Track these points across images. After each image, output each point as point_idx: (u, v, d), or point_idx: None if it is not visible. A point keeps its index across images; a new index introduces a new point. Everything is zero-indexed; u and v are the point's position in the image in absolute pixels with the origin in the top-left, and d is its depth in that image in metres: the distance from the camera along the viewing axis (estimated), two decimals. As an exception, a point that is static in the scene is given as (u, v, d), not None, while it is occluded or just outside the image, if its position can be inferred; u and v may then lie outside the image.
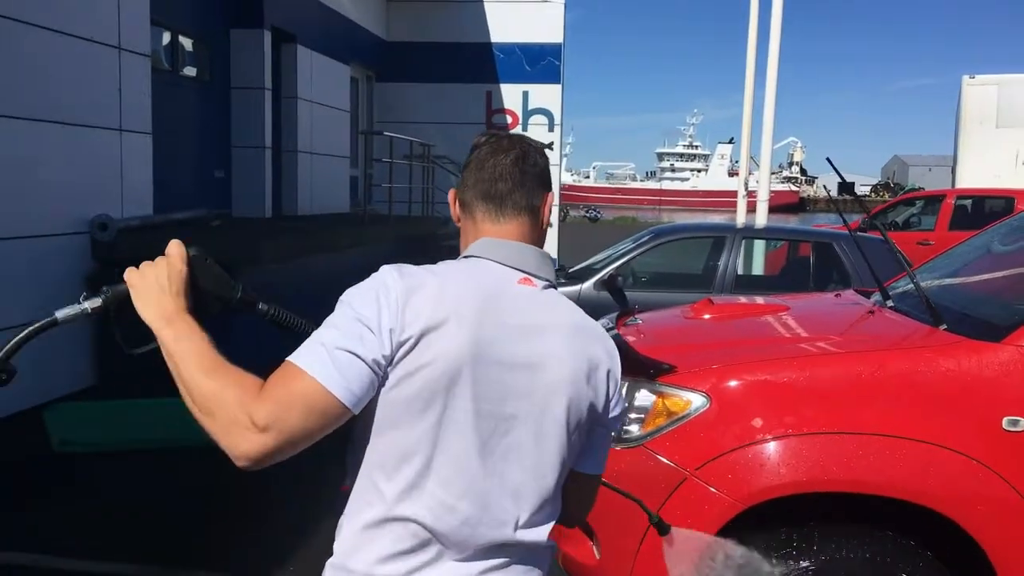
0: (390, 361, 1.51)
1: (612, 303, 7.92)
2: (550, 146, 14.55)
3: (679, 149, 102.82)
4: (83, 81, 7.35)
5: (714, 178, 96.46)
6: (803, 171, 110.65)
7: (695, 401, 2.98)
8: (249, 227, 9.57)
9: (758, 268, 8.20)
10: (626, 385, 3.11)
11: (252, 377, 1.54)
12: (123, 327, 1.85)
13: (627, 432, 3.05)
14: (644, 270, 8.19)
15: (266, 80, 10.55)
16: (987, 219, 11.85)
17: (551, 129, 15.10)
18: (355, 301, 1.56)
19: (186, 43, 9.83)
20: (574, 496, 1.75)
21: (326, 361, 1.48)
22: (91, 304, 1.80)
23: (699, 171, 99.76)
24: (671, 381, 3.07)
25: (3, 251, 6.52)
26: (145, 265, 1.81)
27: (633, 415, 3.08)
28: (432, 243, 13.20)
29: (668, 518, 2.28)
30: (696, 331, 3.72)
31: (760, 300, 4.77)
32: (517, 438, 1.58)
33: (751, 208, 12.47)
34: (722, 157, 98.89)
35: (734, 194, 72.66)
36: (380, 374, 1.51)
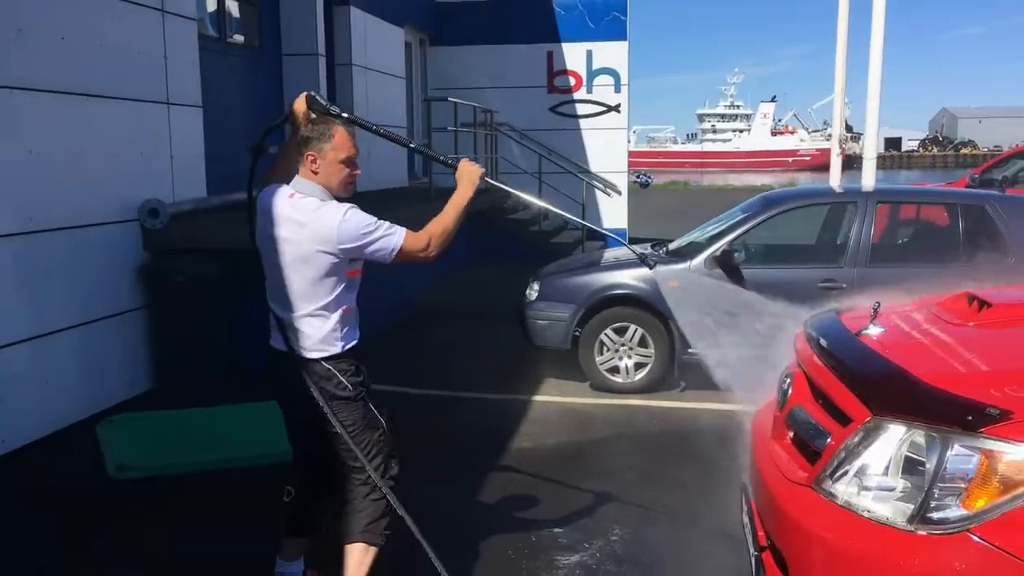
0: None
1: (728, 281, 7.02)
2: (617, 107, 13.65)
3: (720, 110, 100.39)
4: (124, 49, 6.52)
5: (757, 138, 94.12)
6: (849, 128, 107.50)
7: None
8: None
9: (893, 237, 7.19)
10: (921, 436, 2.21)
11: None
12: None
13: (938, 508, 2.13)
14: (758, 243, 7.21)
15: (319, 46, 9.68)
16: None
17: (618, 90, 14.07)
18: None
19: (232, 6, 8.97)
20: None
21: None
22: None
23: (741, 131, 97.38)
24: (1005, 433, 2.12)
25: (43, 244, 5.75)
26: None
27: (944, 485, 2.15)
28: (499, 216, 12.31)
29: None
30: (985, 345, 2.71)
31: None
32: None
33: (841, 166, 11.40)
34: (764, 116, 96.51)
35: (778, 154, 71.33)
36: None
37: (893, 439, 2.27)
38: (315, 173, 3.16)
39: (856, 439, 2.36)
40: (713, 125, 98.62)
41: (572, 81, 14.10)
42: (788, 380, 2.94)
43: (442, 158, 3.50)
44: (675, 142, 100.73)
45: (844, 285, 6.58)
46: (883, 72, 9.83)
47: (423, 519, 3.28)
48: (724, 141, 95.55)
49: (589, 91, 14.08)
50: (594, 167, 13.79)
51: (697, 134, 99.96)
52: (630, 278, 6.99)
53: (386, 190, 11.10)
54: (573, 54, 14.04)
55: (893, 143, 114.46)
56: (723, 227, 7.26)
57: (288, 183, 3.24)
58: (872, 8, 9.78)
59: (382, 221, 3.13)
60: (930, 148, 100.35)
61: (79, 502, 4.79)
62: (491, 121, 12.64)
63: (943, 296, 3.17)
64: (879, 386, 2.44)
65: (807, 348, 2.94)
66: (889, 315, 2.94)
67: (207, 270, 6.80)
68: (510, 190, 3.89)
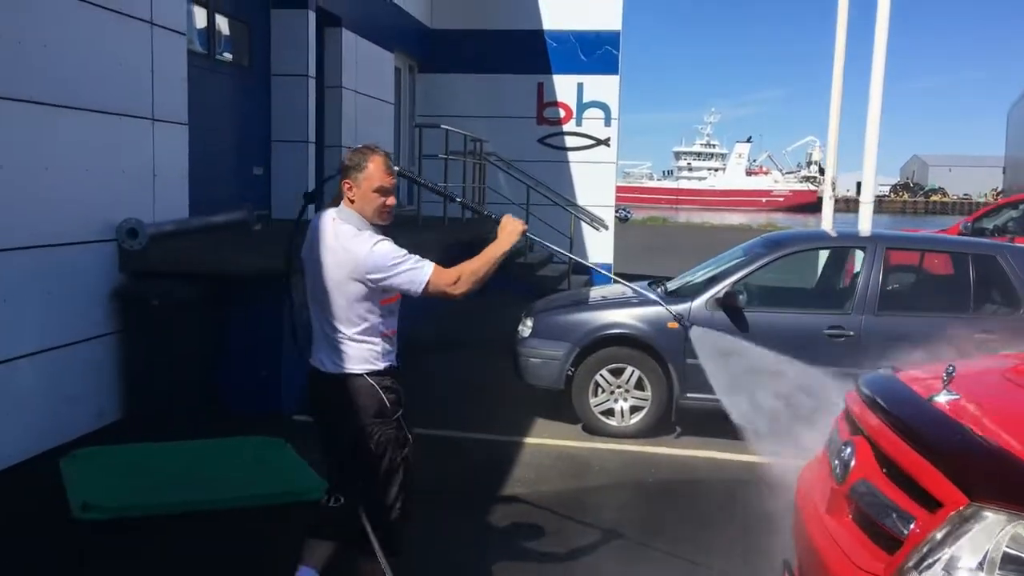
0: None
1: (730, 325, 6.78)
2: (607, 141, 13.49)
3: (696, 148, 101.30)
4: (110, 61, 6.21)
5: (732, 177, 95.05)
6: (822, 170, 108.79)
7: None
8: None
9: (902, 284, 6.99)
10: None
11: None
12: None
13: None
14: (760, 285, 7.00)
15: (310, 67, 9.41)
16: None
17: (608, 124, 13.91)
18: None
19: (222, 24, 8.69)
20: None
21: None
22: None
23: (717, 170, 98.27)
24: None
25: (14, 263, 5.39)
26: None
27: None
28: (484, 246, 12.02)
29: None
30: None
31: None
32: None
33: (832, 209, 11.25)
34: (740, 156, 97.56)
35: (753, 193, 72.22)
36: None
37: (992, 530, 2.01)
38: (352, 201, 3.33)
39: (947, 528, 2.09)
40: (689, 163, 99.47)
41: (562, 113, 13.93)
42: (849, 449, 2.65)
43: (486, 213, 3.72)
44: (651, 178, 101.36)
45: (851, 333, 6.37)
46: (880, 117, 9.71)
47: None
48: (699, 179, 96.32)
49: (579, 124, 13.92)
50: (581, 200, 13.59)
51: (673, 171, 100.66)
52: (629, 317, 6.73)
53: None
54: (564, 86, 13.88)
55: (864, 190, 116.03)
56: (725, 268, 7.05)
57: None
58: (873, 53, 9.69)
59: (411, 255, 3.26)
60: (901, 194, 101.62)
61: (38, 545, 4.41)
62: (480, 150, 12.40)
63: (1005, 357, 2.92)
64: (978, 468, 2.18)
65: (870, 414, 2.68)
66: (956, 378, 2.64)
67: (186, 294, 6.46)
68: (549, 245, 4.37)
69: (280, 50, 9.35)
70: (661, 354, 6.60)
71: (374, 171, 3.29)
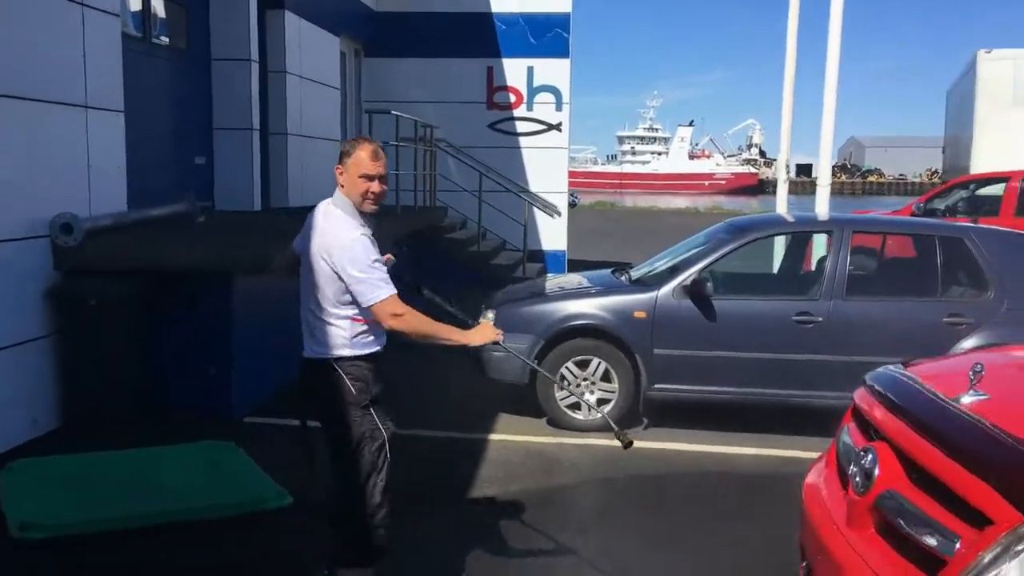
0: None
1: (697, 314, 6.61)
2: (558, 126, 13.27)
3: (640, 132, 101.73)
4: (38, 44, 5.78)
5: (675, 161, 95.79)
6: (762, 153, 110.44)
7: None
8: (239, 224, 8.04)
9: (870, 269, 6.89)
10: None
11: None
12: None
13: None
14: (727, 272, 6.85)
15: (252, 51, 9.00)
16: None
17: (559, 108, 13.66)
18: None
19: (158, 5, 8.24)
20: None
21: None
22: None
23: (660, 154, 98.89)
24: None
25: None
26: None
27: None
28: (439, 236, 11.76)
29: None
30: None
31: None
32: None
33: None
34: (682, 140, 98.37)
35: (695, 177, 73.09)
36: None
37: None
38: (342, 186, 3.44)
39: (999, 548, 1.90)
40: (633, 147, 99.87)
41: (512, 98, 13.64)
42: (870, 457, 2.45)
43: (471, 323, 3.72)
44: (595, 163, 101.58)
45: (820, 318, 6.25)
46: (837, 99, 9.62)
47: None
48: (643, 163, 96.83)
49: (530, 109, 13.65)
50: (534, 187, 13.34)
51: (617, 155, 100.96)
52: (594, 308, 6.52)
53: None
54: (514, 70, 13.59)
55: (804, 169, 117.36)
56: (689, 254, 6.87)
57: None
58: (827, 36, 9.59)
59: (383, 272, 3.34)
60: (839, 175, 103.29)
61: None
62: (431, 137, 12.08)
63: (1017, 348, 2.74)
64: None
65: (891, 417, 2.48)
66: (973, 375, 2.45)
67: (126, 292, 6.09)
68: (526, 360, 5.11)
69: (220, 33, 8.92)
70: (628, 345, 6.41)
71: (361, 157, 3.39)
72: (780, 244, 8.03)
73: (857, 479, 2.47)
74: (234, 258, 6.08)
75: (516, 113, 13.64)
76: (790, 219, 7.48)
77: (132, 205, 6.87)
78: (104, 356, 6.03)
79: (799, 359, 6.27)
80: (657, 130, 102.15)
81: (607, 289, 6.74)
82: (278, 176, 9.92)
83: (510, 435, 6.41)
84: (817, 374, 6.25)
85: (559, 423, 6.56)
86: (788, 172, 11.11)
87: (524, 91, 13.66)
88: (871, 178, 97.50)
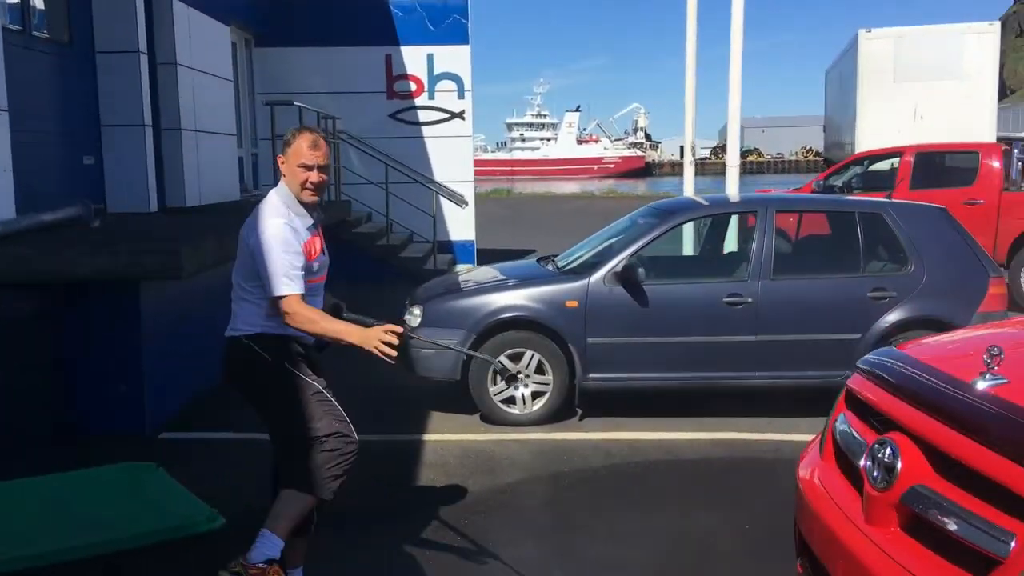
0: None
1: (629, 300, 6.52)
2: (461, 114, 13.03)
3: (528, 119, 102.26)
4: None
5: (564, 147, 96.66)
6: (648, 136, 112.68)
7: None
8: (139, 227, 7.54)
9: (794, 248, 6.92)
10: None
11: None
12: None
13: None
14: (655, 256, 6.79)
15: (140, 42, 8.44)
16: (950, 176, 11.13)
17: (461, 96, 13.42)
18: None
19: (35, -6, 7.62)
20: None
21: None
22: None
23: (548, 140, 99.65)
24: None
25: None
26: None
27: None
28: (346, 231, 11.39)
29: None
30: None
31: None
32: None
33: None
34: (570, 125, 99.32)
35: (584, 161, 74.40)
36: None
37: None
38: (284, 176, 3.50)
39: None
40: (522, 134, 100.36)
41: (413, 86, 13.33)
42: (888, 450, 2.33)
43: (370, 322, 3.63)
44: (485, 150, 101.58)
45: (750, 299, 6.25)
46: (741, 83, 9.71)
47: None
48: (533, 149, 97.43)
49: (431, 97, 13.36)
50: (439, 177, 13.08)
51: (507, 142, 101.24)
52: (526, 299, 6.36)
53: (218, 204, 9.91)
54: (413, 58, 13.27)
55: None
56: (616, 240, 6.78)
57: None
58: (731, 18, 9.66)
59: (295, 268, 3.36)
60: (720, 156, 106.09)
61: None
62: (334, 128, 11.67)
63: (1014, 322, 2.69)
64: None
65: (905, 406, 2.37)
66: (989, 357, 2.32)
67: (22, 307, 5.60)
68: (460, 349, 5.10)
69: (104, 24, 8.32)
70: (561, 335, 6.27)
71: (300, 147, 3.44)
72: (690, 227, 8.01)
73: (875, 474, 2.36)
74: (144, 265, 5.64)
75: (418, 102, 13.34)
76: (717, 201, 7.48)
77: (21, 211, 6.33)
78: (4, 377, 5.53)
79: (732, 340, 6.26)
80: (545, 116, 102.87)
81: (537, 279, 6.58)
82: (173, 174, 9.37)
83: (445, 434, 6.20)
84: (750, 355, 6.26)
85: (493, 419, 6.38)
86: (694, 155, 11.19)
87: (425, 79, 13.37)
88: (750, 158, 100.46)
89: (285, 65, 12.97)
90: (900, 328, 6.15)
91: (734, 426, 6.27)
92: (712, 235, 7.73)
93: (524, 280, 6.61)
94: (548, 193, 42.37)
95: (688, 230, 7.47)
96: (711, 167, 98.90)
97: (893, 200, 6.67)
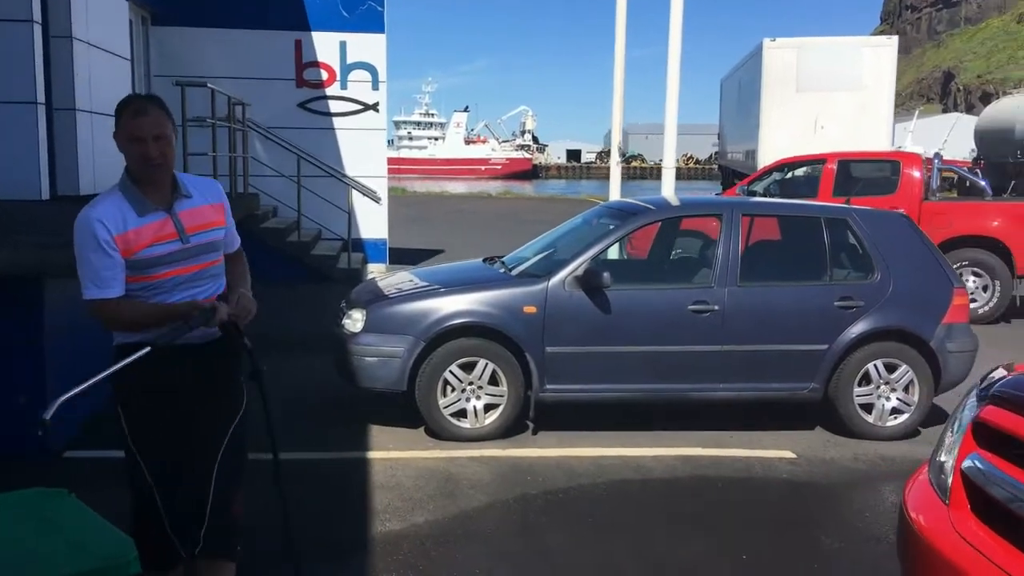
0: None
1: (591, 306, 6.11)
2: (375, 106, 12.40)
3: (416, 117, 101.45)
4: None
5: (452, 146, 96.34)
6: (535, 139, 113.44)
7: None
8: (33, 217, 6.68)
9: (760, 254, 6.63)
10: None
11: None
12: None
13: None
14: (615, 260, 6.41)
15: (34, 10, 7.53)
16: (872, 185, 11.20)
17: (376, 87, 12.75)
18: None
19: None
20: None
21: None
22: None
23: (437, 139, 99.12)
24: None
25: None
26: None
27: None
28: (254, 226, 10.61)
29: None
30: None
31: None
32: None
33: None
34: (458, 125, 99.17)
35: (472, 162, 74.67)
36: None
37: None
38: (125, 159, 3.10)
39: None
40: (409, 132, 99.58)
41: (324, 75, 12.58)
42: None
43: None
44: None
45: (716, 307, 5.93)
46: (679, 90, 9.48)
47: None
48: (420, 148, 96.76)
49: (344, 87, 12.65)
50: (351, 171, 12.38)
51: (394, 140, 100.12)
52: (479, 304, 5.87)
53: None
54: (325, 45, 12.52)
55: (574, 155, 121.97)
56: (575, 242, 6.37)
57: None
58: (669, 21, 9.42)
59: (105, 269, 2.93)
60: (606, 160, 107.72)
61: None
62: (243, 116, 10.86)
63: None
64: None
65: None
66: None
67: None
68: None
69: (-9, -12, 7.39)
70: (518, 343, 5.81)
71: (124, 119, 3.01)
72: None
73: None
74: (52, 261, 4.88)
75: (329, 91, 12.60)
76: (676, 202, 7.14)
77: None
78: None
79: (697, 351, 5.93)
80: (433, 115, 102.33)
81: (490, 282, 6.09)
82: (66, 159, 8.43)
83: (392, 452, 5.65)
84: (716, 366, 5.94)
85: (441, 433, 5.87)
86: (621, 158, 10.94)
87: (337, 68, 12.64)
88: (634, 163, 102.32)
89: (185, 46, 12.02)
90: (866, 339, 5.98)
91: (696, 440, 5.95)
92: (673, 239, 7.39)
93: (476, 283, 6.12)
94: (444, 192, 41.85)
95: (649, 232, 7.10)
96: (596, 171, 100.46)
97: (857, 207, 6.48)
